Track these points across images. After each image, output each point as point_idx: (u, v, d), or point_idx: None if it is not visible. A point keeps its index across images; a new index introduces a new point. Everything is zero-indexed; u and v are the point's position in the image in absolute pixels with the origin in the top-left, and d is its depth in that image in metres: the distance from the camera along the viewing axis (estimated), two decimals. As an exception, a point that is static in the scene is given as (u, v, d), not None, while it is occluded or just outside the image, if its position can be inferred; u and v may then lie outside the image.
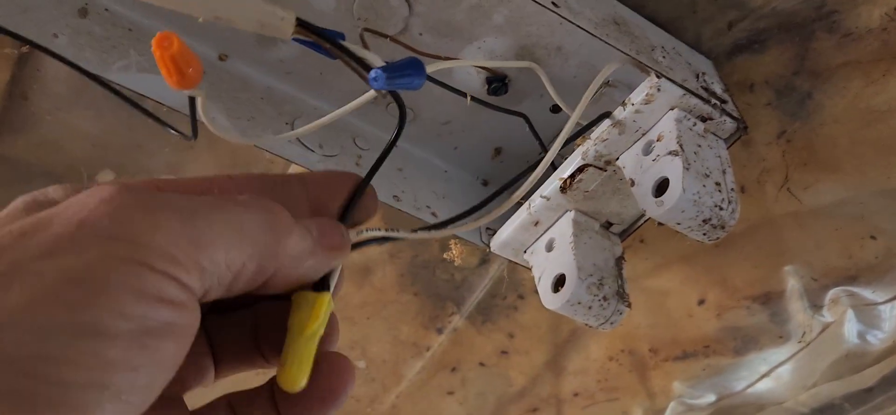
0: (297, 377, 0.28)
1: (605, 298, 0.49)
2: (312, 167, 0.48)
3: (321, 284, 0.30)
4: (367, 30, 0.47)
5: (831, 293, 0.58)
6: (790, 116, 0.50)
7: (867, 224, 0.54)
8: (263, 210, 0.26)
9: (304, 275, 0.28)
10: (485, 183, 0.57)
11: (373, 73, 0.31)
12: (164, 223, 0.23)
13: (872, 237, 0.55)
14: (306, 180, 0.31)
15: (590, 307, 0.47)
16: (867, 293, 0.57)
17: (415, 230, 0.39)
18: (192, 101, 0.37)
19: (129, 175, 0.55)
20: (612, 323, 0.47)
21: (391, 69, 0.31)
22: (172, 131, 0.43)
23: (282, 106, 0.49)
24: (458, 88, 0.49)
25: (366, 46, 0.47)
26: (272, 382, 0.30)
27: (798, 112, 0.50)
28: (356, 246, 0.32)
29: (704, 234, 0.43)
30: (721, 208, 0.43)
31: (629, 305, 0.48)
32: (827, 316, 0.60)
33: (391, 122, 0.53)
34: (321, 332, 0.29)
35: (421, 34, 0.47)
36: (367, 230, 0.34)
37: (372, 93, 0.34)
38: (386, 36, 0.47)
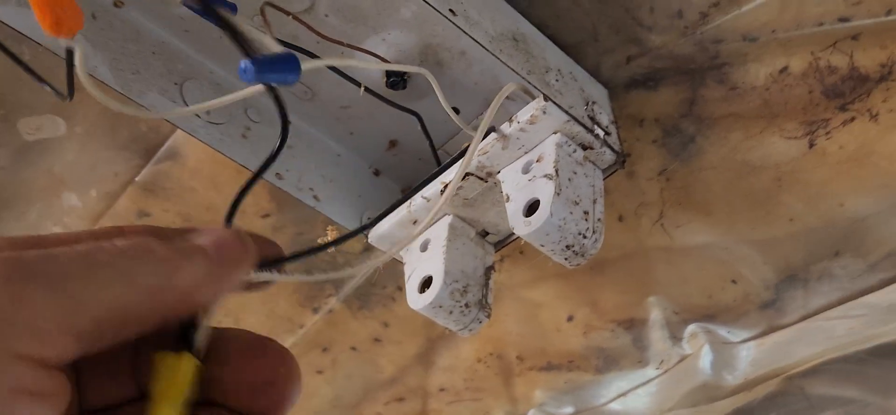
0: None
1: (466, 306, 0.50)
2: (196, 133, 0.47)
3: (183, 339, 0.26)
4: (269, 3, 0.46)
5: (691, 328, 0.60)
6: (673, 156, 0.52)
7: (729, 269, 0.56)
8: (144, 249, 0.24)
9: (205, 300, 0.25)
10: (376, 172, 0.57)
11: (242, 65, 0.30)
12: (28, 295, 0.21)
13: (733, 282, 0.57)
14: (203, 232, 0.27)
15: (451, 312, 0.48)
16: (723, 332, 0.60)
17: (331, 243, 0.37)
18: (69, 53, 0.35)
19: (9, 110, 0.53)
20: (470, 330, 0.48)
21: (262, 63, 0.31)
22: (47, 87, 0.40)
23: (173, 64, 0.48)
24: (353, 78, 0.49)
25: (266, 21, 0.46)
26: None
27: (680, 153, 0.52)
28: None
29: (566, 258, 0.45)
30: (584, 237, 0.45)
31: (489, 316, 0.49)
32: (685, 348, 0.62)
33: (291, 98, 0.52)
34: (186, 396, 0.25)
35: (326, 16, 0.46)
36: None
37: (259, 87, 0.33)
38: (289, 13, 0.46)
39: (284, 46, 0.45)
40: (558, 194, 0.44)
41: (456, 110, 0.52)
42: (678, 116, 0.51)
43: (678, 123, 0.51)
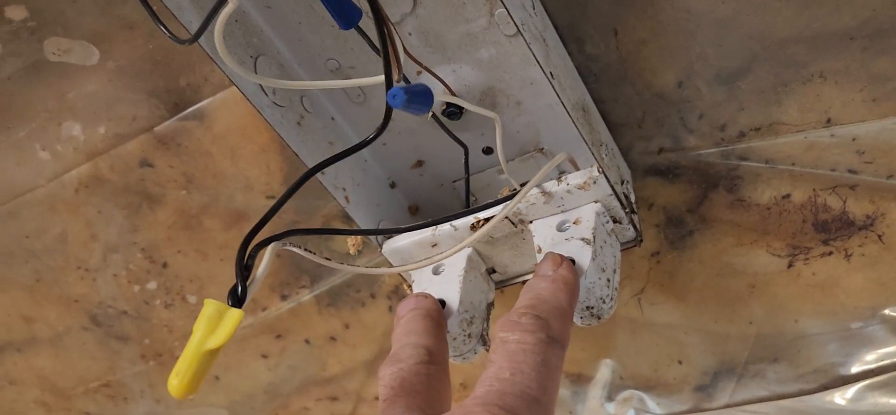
0: (188, 389, 0.29)
1: (469, 336, 0.52)
2: (263, 111, 0.47)
3: (235, 296, 0.31)
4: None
5: (625, 393, 0.66)
6: (669, 244, 0.57)
7: (680, 350, 0.62)
8: None
9: None
10: (392, 185, 0.58)
11: (393, 90, 0.33)
12: None
13: (679, 362, 0.63)
14: None
15: (454, 339, 0.51)
16: (651, 404, 0.66)
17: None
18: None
19: (41, 24, 0.51)
20: (464, 358, 0.51)
21: (410, 92, 0.33)
22: (162, 28, 0.40)
23: (250, 36, 0.48)
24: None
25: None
26: None
27: (676, 243, 0.57)
28: None
29: (581, 318, 0.49)
30: (603, 302, 0.49)
31: (487, 349, 0.52)
32: (612, 409, 0.68)
33: (341, 97, 0.53)
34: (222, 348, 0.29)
35: (410, 34, 0.48)
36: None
37: (345, 82, 0.35)
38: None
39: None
40: (594, 259, 0.48)
41: (489, 150, 0.56)
42: (685, 210, 0.56)
43: (682, 216, 0.56)
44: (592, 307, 0.48)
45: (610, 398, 0.67)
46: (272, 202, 0.60)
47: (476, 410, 0.33)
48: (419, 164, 0.58)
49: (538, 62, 0.44)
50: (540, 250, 0.50)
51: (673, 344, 0.62)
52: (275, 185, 0.58)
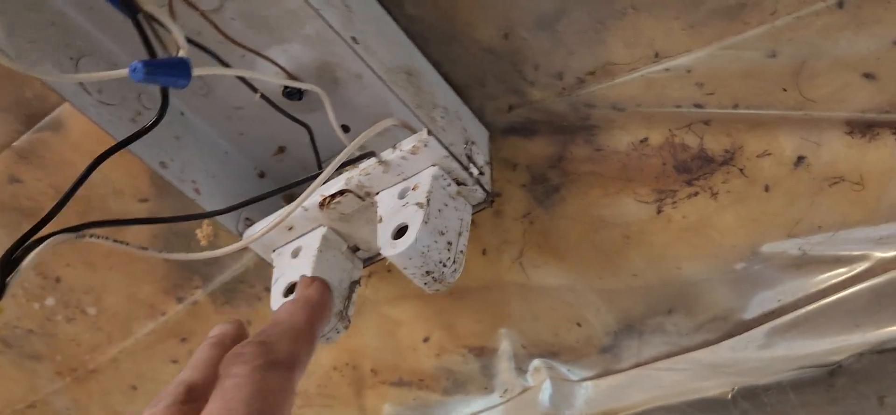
0: None
1: None
2: (86, 110, 0.48)
3: None
4: (178, -4, 0.47)
5: (535, 362, 0.65)
6: (537, 202, 0.56)
7: (576, 312, 0.61)
8: None
9: None
10: (262, 175, 0.58)
11: (133, 65, 0.33)
12: None
13: (578, 324, 0.62)
14: None
15: None
16: (564, 370, 0.65)
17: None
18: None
19: None
20: (328, 339, 0.51)
21: (154, 65, 0.33)
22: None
23: (72, 38, 0.49)
24: (251, 84, 0.51)
25: (173, 13, 0.48)
26: None
27: (544, 201, 0.56)
28: None
29: (425, 283, 0.48)
30: (444, 266, 0.48)
31: (347, 327, 0.52)
32: (529, 381, 0.67)
33: (186, 91, 0.53)
34: None
35: (233, 19, 0.48)
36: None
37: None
38: (197, 9, 0.48)
39: (187, 42, 0.47)
40: (426, 223, 0.47)
41: (346, 128, 0.55)
42: (547, 166, 0.55)
43: (546, 173, 0.55)
44: (432, 272, 0.48)
45: (520, 369, 0.66)
46: (147, 204, 0.60)
47: None
48: (281, 150, 0.58)
49: (333, 28, 0.44)
50: (382, 220, 0.50)
51: (567, 306, 0.61)
52: (143, 187, 0.59)
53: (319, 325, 0.44)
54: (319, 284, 0.46)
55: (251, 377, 0.35)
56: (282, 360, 0.38)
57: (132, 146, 0.50)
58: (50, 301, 0.65)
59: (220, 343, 0.42)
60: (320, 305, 0.45)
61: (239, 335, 0.44)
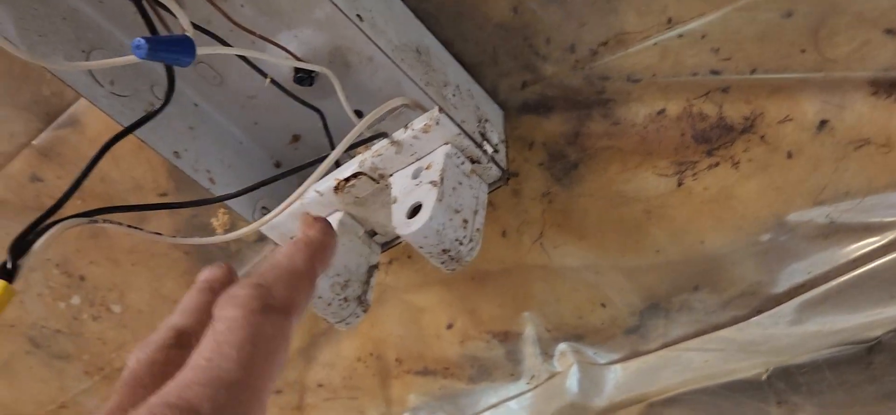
0: None
1: (345, 299, 0.52)
2: (97, 102, 0.48)
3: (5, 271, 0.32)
4: (185, -17, 0.47)
5: (561, 346, 0.64)
6: (555, 180, 0.56)
7: (599, 292, 0.60)
8: None
9: None
10: (277, 164, 0.58)
11: (136, 41, 0.32)
12: None
13: (602, 305, 0.61)
14: None
15: (329, 304, 0.50)
16: (590, 353, 0.64)
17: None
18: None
19: None
20: (347, 323, 0.50)
21: (157, 42, 0.33)
22: None
23: (83, 31, 0.49)
24: (261, 69, 0.51)
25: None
26: None
27: (563, 178, 0.56)
28: None
29: (442, 262, 0.47)
30: (461, 244, 0.47)
31: (366, 311, 0.51)
32: (555, 366, 0.66)
33: (199, 81, 0.54)
34: None
35: (242, 6, 0.48)
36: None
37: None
38: (207, -6, 0.48)
39: (196, 29, 0.47)
40: (440, 200, 0.46)
41: (360, 113, 0.55)
42: (564, 143, 0.54)
43: (563, 150, 0.55)
44: (449, 250, 0.47)
45: (546, 354, 0.65)
46: (165, 199, 0.61)
47: (141, 411, 0.30)
48: (296, 139, 0.57)
49: (340, 8, 0.43)
50: (396, 200, 0.49)
51: (590, 287, 0.60)
52: (162, 181, 0.59)
53: (320, 267, 0.40)
54: (322, 224, 0.42)
55: (245, 321, 0.32)
56: (278, 304, 0.35)
57: (146, 136, 0.51)
58: (75, 300, 0.66)
59: (210, 289, 0.40)
60: (322, 246, 0.41)
61: (228, 280, 0.41)
